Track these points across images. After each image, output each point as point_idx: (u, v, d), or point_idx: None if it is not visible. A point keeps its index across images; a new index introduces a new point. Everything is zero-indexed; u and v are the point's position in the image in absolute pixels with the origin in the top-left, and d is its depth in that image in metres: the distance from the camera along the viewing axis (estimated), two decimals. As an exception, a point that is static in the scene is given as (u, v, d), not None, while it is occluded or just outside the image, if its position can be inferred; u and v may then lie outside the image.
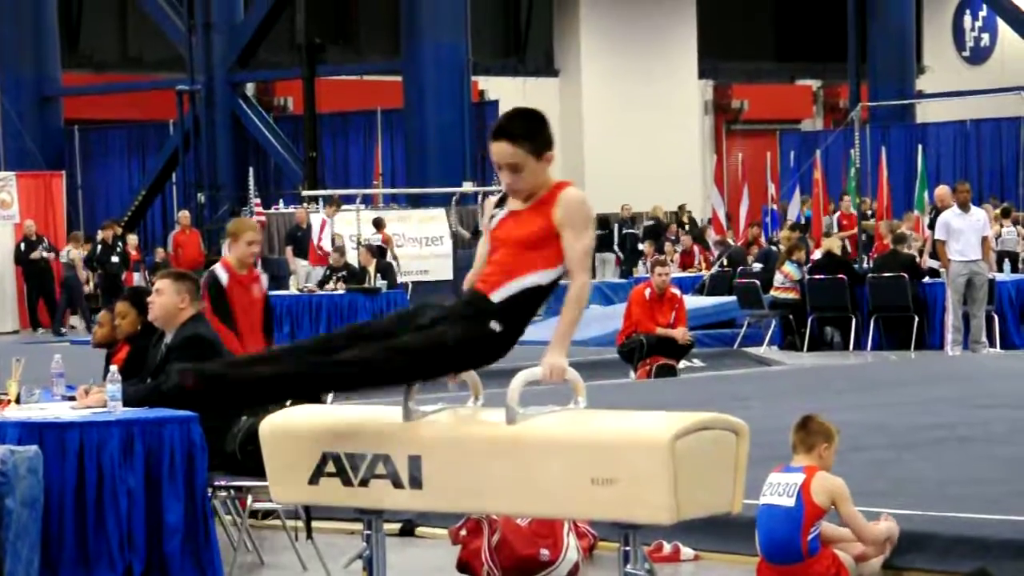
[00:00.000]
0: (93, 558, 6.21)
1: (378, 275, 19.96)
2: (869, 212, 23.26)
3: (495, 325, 4.72)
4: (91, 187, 31.28)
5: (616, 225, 28.75)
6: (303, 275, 22.46)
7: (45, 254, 23.67)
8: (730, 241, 24.94)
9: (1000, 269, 18.38)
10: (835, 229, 21.80)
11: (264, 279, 9.03)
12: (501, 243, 4.80)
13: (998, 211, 23.50)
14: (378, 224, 23.10)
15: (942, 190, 18.51)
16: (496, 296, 4.74)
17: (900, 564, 6.52)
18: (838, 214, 22.17)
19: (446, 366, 4.80)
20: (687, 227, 28.42)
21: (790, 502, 6.16)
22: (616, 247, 28.31)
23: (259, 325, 8.69)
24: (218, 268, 8.82)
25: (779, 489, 6.22)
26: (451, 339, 4.70)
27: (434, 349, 4.72)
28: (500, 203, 4.86)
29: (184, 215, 26.23)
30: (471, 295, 4.79)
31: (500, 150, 4.72)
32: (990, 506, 7.10)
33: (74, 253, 23.71)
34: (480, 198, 24.64)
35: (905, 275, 16.90)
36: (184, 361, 6.81)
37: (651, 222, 28.90)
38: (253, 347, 8.35)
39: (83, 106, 31.62)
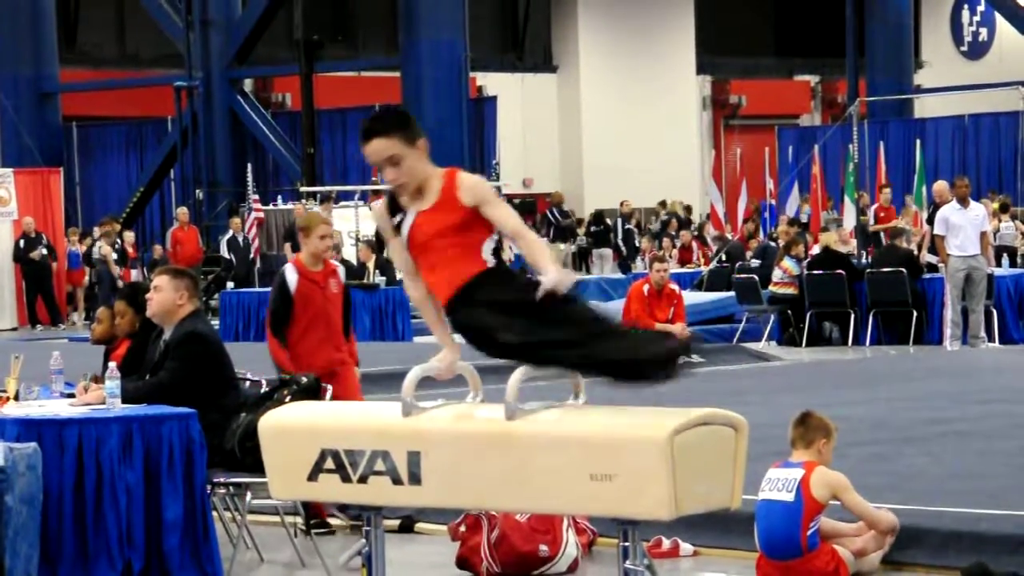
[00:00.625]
0: (92, 555, 6.21)
1: (377, 271, 19.95)
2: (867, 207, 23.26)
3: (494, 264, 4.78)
4: (89, 184, 31.26)
5: (619, 220, 28.76)
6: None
7: (45, 252, 23.63)
8: (728, 236, 24.94)
9: (999, 264, 18.38)
10: (872, 222, 21.45)
11: (341, 271, 8.38)
12: (426, 246, 4.81)
13: (996, 205, 23.50)
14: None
15: (940, 185, 18.51)
16: (464, 292, 4.75)
17: (899, 558, 6.52)
18: (875, 206, 21.93)
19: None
20: (691, 224, 28.45)
21: (789, 497, 6.17)
22: (620, 242, 28.31)
23: (339, 321, 8.10)
24: (288, 270, 8.12)
25: (778, 484, 6.22)
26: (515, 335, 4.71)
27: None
28: (393, 209, 4.87)
29: (183, 212, 26.22)
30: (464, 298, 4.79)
31: (376, 148, 4.81)
32: (988, 501, 7.11)
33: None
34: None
35: (904, 270, 16.90)
36: (182, 357, 6.82)
37: (665, 217, 28.93)
38: (332, 346, 7.95)
39: (81, 103, 31.59)
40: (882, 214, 23.05)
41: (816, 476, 6.19)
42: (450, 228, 4.76)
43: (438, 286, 4.82)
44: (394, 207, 4.88)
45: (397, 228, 4.86)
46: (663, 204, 30.86)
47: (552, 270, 4.67)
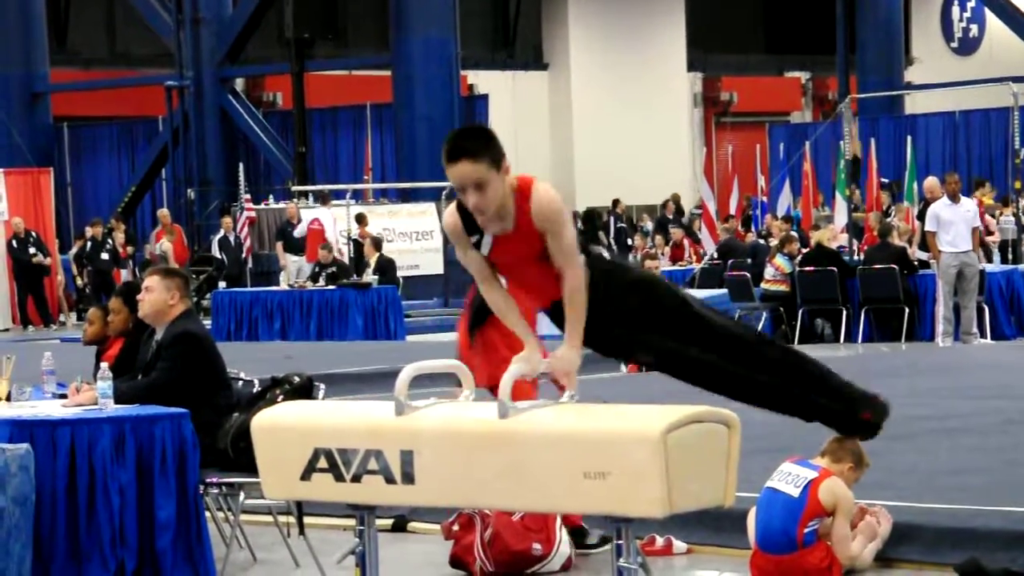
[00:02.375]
0: (85, 555, 6.20)
1: (378, 271, 19.93)
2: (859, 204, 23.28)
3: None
4: (80, 184, 31.25)
5: (611, 218, 28.77)
6: (293, 271, 22.43)
7: (43, 259, 23.55)
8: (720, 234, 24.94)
9: (990, 260, 18.41)
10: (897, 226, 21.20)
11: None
12: (510, 269, 4.78)
13: (989, 198, 23.53)
14: (360, 220, 22.97)
15: (931, 181, 18.52)
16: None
17: (891, 555, 6.53)
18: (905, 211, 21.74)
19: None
20: (683, 219, 28.46)
21: (795, 492, 6.17)
22: (612, 240, 28.32)
23: None
24: None
25: (788, 478, 6.22)
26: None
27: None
28: (469, 228, 4.74)
29: (163, 213, 26.15)
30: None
31: (463, 171, 4.60)
32: (981, 497, 7.11)
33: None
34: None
35: (895, 267, 16.92)
36: (174, 357, 6.81)
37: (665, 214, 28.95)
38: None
39: (71, 102, 31.57)
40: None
41: (828, 482, 6.18)
42: (531, 256, 4.70)
43: (531, 299, 4.83)
44: (468, 223, 4.73)
45: (475, 245, 4.75)
46: (675, 199, 30.74)
47: (567, 350, 4.69)
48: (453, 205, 4.79)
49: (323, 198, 24.68)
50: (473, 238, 4.75)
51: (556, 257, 4.70)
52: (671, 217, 27.49)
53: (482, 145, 4.63)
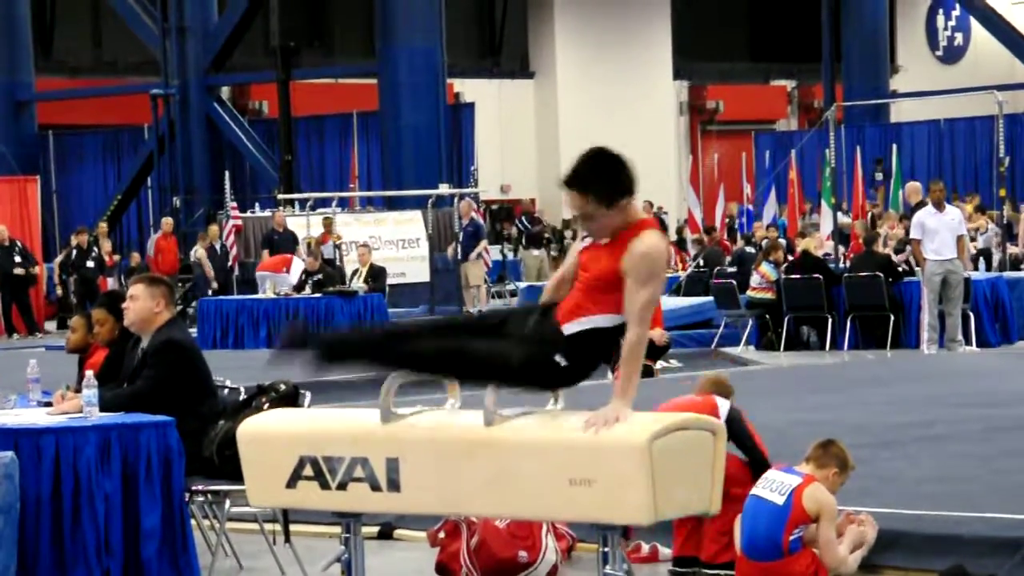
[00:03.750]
0: (70, 563, 6.19)
1: (369, 278, 19.87)
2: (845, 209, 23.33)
3: (560, 359, 4.75)
4: (66, 192, 31.18)
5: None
6: (280, 279, 22.36)
7: (27, 269, 23.48)
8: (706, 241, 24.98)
9: (976, 267, 18.44)
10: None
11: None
12: (581, 272, 4.82)
13: (971, 208, 23.57)
14: (326, 225, 22.70)
15: (912, 186, 18.57)
16: (566, 329, 4.77)
17: (877, 562, 6.54)
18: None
19: (506, 382, 4.82)
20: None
21: (780, 500, 6.18)
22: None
23: None
24: None
25: (773, 485, 6.24)
26: (515, 360, 4.74)
27: (497, 364, 4.76)
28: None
29: (167, 221, 26.16)
30: (549, 322, 4.80)
31: (570, 200, 4.71)
32: (966, 504, 7.13)
33: (200, 252, 23.80)
34: (456, 200, 24.63)
35: (881, 274, 16.95)
36: (159, 366, 6.81)
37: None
38: None
39: (57, 111, 31.51)
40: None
41: (811, 489, 6.19)
42: (595, 276, 4.73)
43: (562, 303, 4.84)
44: None
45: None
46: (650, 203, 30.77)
47: (616, 409, 4.64)
48: None
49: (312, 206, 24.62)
50: (585, 237, 4.84)
51: (628, 305, 4.69)
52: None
53: (593, 180, 4.66)
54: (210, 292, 22.94)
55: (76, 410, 6.48)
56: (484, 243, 23.15)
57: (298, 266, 20.71)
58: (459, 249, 22.79)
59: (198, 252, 23.91)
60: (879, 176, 26.46)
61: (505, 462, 4.73)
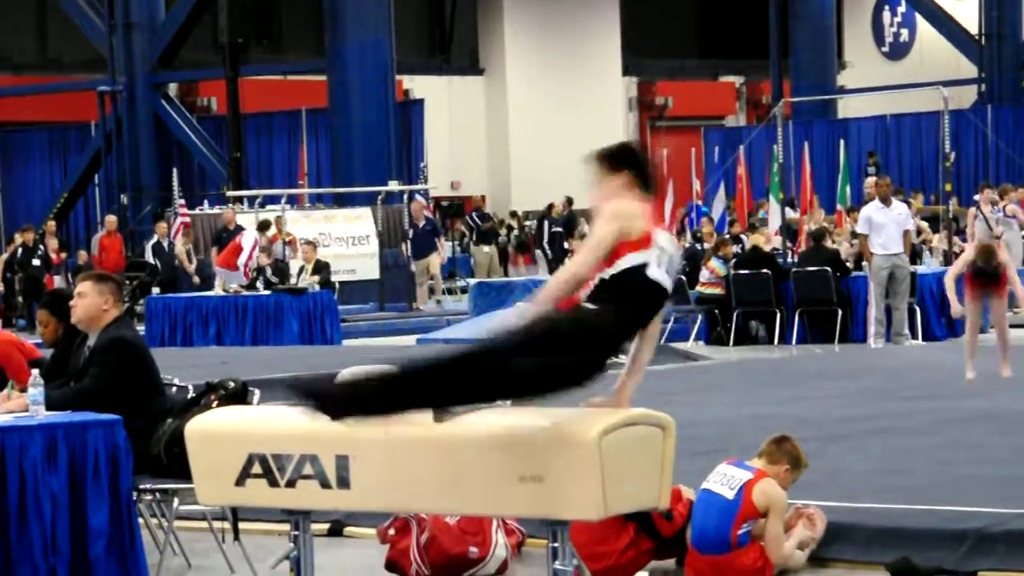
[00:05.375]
0: (16, 563, 6.14)
1: (316, 274, 19.81)
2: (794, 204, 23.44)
3: (589, 307, 4.73)
4: (12, 189, 30.93)
5: (547, 222, 28.78)
6: (231, 276, 22.25)
7: None
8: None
9: (920, 261, 18.58)
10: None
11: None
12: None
13: (918, 204, 23.76)
14: (263, 226, 22.46)
15: (871, 181, 18.68)
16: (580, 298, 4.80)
17: (824, 555, 6.58)
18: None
19: (564, 376, 4.76)
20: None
21: (730, 494, 6.22)
22: (546, 244, 28.36)
23: None
24: None
25: (724, 479, 6.27)
26: (561, 345, 4.67)
27: (547, 367, 4.69)
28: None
29: (111, 220, 25.99)
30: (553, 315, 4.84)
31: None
32: (913, 497, 7.18)
33: (179, 248, 23.62)
34: (405, 197, 24.60)
35: (828, 269, 17.05)
36: (107, 363, 6.76)
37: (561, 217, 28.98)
38: None
39: (2, 108, 31.26)
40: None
41: (761, 484, 6.23)
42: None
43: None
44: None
45: None
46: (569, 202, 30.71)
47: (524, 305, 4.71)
48: None
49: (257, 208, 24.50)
50: None
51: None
52: (556, 218, 27.65)
53: (608, 155, 4.94)
54: (196, 280, 22.98)
55: (22, 409, 6.43)
56: (442, 238, 24.10)
57: (250, 238, 20.72)
58: (409, 248, 23.01)
59: (176, 249, 23.77)
60: (872, 170, 26.59)
61: (455, 459, 4.73)
